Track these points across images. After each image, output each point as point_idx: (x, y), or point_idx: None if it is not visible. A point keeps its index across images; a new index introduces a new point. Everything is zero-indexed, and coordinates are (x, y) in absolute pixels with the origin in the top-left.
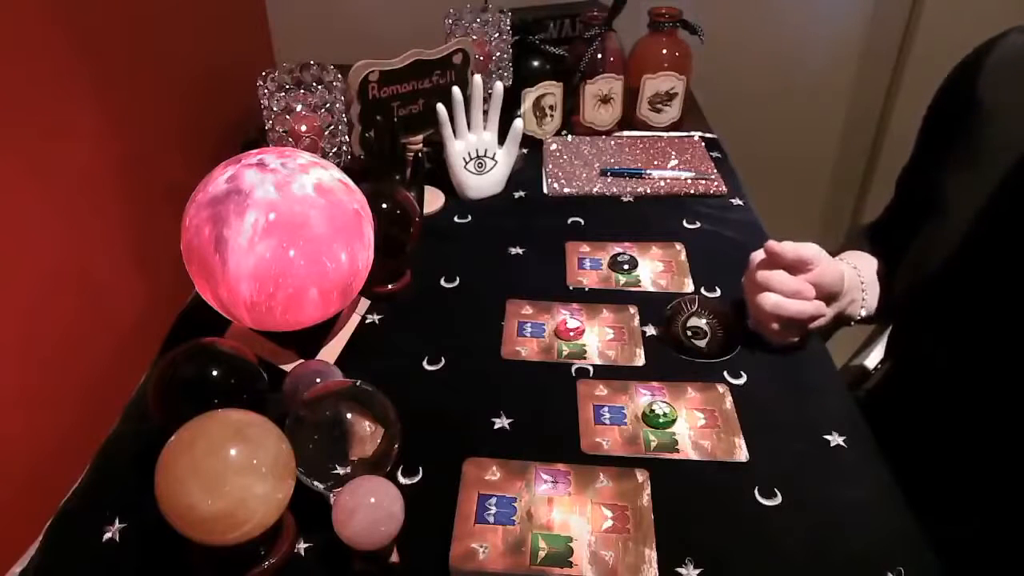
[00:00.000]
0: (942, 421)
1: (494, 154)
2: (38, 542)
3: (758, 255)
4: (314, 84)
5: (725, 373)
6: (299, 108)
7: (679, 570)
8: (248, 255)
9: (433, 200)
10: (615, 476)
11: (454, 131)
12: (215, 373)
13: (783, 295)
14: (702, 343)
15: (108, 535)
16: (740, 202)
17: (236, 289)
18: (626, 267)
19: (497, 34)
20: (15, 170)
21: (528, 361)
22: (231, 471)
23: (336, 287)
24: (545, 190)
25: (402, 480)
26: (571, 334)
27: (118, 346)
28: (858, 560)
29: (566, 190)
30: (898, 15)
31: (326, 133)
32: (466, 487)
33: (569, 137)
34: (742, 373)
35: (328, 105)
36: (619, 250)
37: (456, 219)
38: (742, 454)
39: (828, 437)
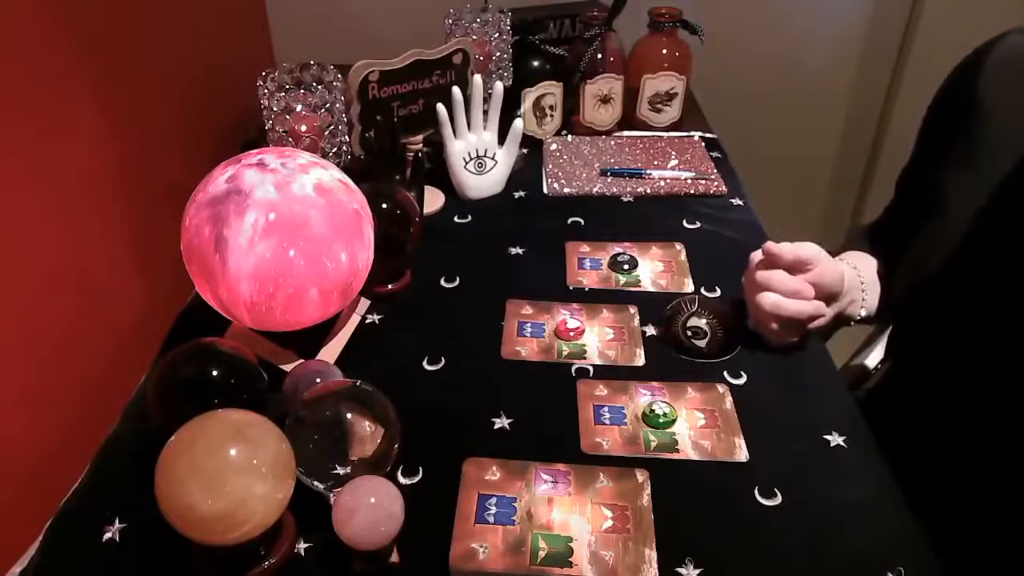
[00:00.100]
0: (942, 421)
1: (494, 154)
2: (38, 542)
3: (758, 255)
4: (314, 84)
5: (725, 373)
6: (299, 108)
7: (679, 570)
8: (248, 255)
9: (433, 200)
10: (615, 476)
11: (454, 131)
12: (215, 373)
13: (782, 295)
14: (702, 343)
15: (108, 535)
16: (740, 202)
17: (236, 289)
18: (626, 267)
19: (497, 34)
20: (15, 170)
21: (528, 361)
22: (231, 471)
23: (336, 287)
24: (545, 190)
25: (402, 480)
26: (571, 334)
27: (118, 346)
28: (858, 560)
29: (566, 190)
30: (898, 15)
31: (326, 133)
32: (466, 487)
33: (569, 137)
34: (742, 373)
35: (328, 105)
36: (619, 250)
37: (456, 219)
38: (742, 454)
39: (828, 437)
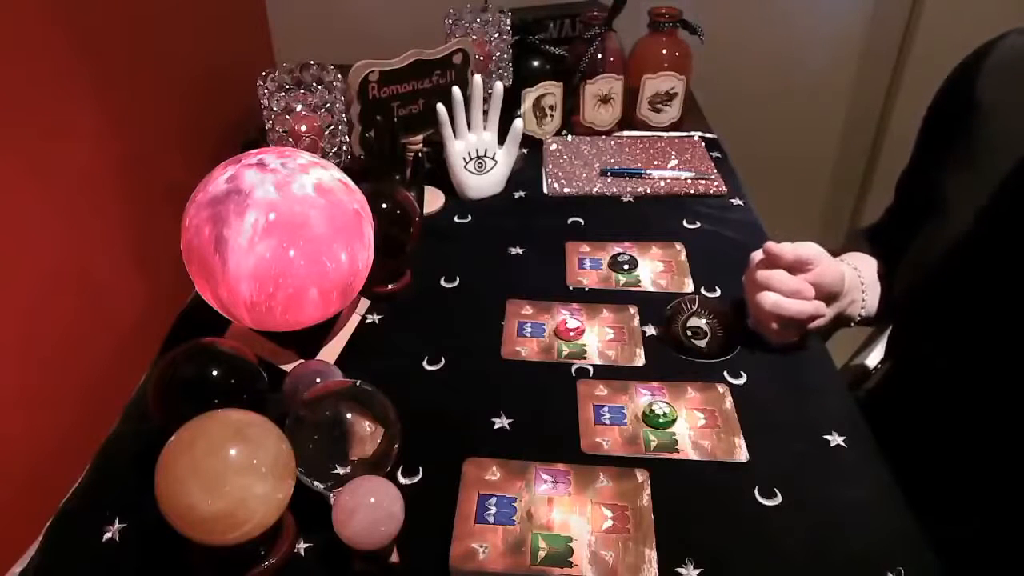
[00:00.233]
0: (942, 421)
1: (494, 154)
2: (38, 542)
3: (758, 255)
4: (314, 84)
5: (725, 373)
6: (299, 108)
7: (679, 570)
8: (248, 255)
9: (433, 200)
10: (615, 476)
11: (454, 131)
12: (215, 373)
13: (783, 294)
14: (702, 343)
15: (108, 535)
16: (740, 202)
17: (236, 289)
18: (626, 267)
19: (497, 34)
20: (15, 170)
21: (528, 361)
22: (231, 471)
23: (336, 287)
24: (545, 190)
25: (402, 480)
26: (571, 334)
27: (118, 346)
28: (858, 560)
29: (566, 190)
30: (898, 15)
31: (326, 133)
32: (466, 487)
33: (569, 137)
34: (742, 373)
35: (328, 105)
36: (619, 250)
37: (456, 219)
38: (742, 454)
39: (828, 437)
